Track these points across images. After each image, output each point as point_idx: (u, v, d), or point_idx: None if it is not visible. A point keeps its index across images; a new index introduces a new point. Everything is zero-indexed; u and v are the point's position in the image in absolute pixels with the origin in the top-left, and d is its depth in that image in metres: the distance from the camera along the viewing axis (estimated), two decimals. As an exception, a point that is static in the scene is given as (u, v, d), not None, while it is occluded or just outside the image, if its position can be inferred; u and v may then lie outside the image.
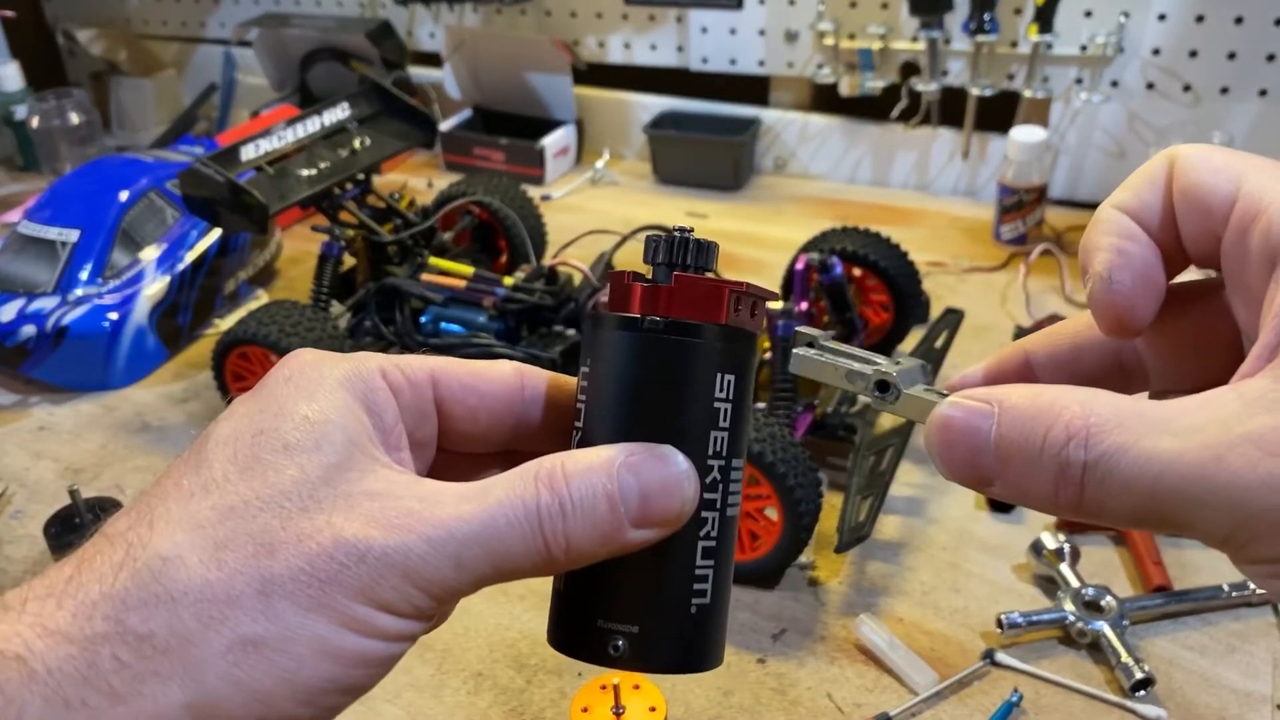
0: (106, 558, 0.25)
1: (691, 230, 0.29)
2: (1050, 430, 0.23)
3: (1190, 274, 0.28)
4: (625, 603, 0.28)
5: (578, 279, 0.89)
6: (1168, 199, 0.26)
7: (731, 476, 0.29)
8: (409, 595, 0.25)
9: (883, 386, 0.27)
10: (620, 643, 0.28)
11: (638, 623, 0.28)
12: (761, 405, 0.78)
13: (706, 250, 0.28)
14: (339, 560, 0.25)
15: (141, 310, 1.01)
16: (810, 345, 0.29)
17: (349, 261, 0.96)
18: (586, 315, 0.29)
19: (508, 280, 0.89)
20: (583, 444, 0.28)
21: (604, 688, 0.62)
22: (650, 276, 0.28)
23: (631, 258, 0.92)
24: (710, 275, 0.28)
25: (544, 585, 0.63)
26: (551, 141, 1.38)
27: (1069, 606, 0.68)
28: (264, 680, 0.24)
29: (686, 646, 0.28)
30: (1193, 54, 1.13)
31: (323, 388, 0.27)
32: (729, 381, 0.28)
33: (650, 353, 0.27)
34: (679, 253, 0.28)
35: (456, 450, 0.31)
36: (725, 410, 0.28)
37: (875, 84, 1.27)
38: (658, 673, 0.29)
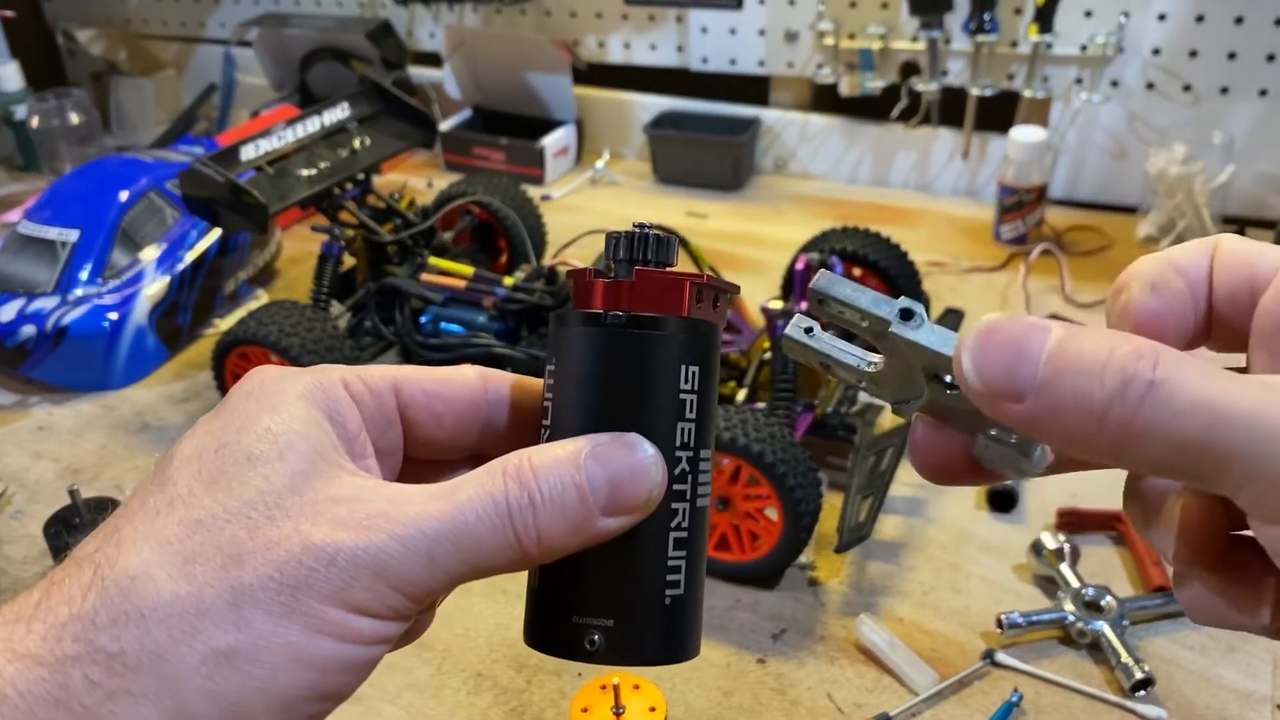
0: (75, 580, 0.25)
1: (651, 226, 0.29)
2: (1118, 348, 0.22)
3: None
4: (600, 597, 0.28)
5: (578, 279, 0.89)
6: (1208, 261, 0.27)
7: (700, 467, 0.29)
8: (383, 595, 0.25)
9: (907, 314, 0.26)
10: (596, 637, 0.28)
11: (613, 616, 0.28)
12: (761, 405, 0.78)
13: (666, 245, 0.29)
14: (308, 565, 0.24)
15: (141, 310, 1.01)
16: (809, 332, 0.28)
17: (349, 261, 0.96)
18: (551, 315, 0.29)
19: (508, 280, 0.89)
20: (551, 440, 0.28)
21: (604, 688, 0.62)
22: (612, 273, 0.29)
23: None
24: (671, 270, 0.29)
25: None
26: (551, 141, 1.38)
27: (1069, 607, 0.68)
28: (239, 692, 0.24)
29: (663, 638, 0.28)
30: (1193, 54, 1.13)
31: (284, 400, 0.27)
32: (693, 373, 0.28)
33: (614, 347, 0.28)
34: (639, 248, 0.28)
35: (424, 457, 0.31)
36: (691, 401, 0.28)
37: (875, 84, 1.27)
38: (635, 665, 0.29)
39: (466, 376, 0.31)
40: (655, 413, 0.28)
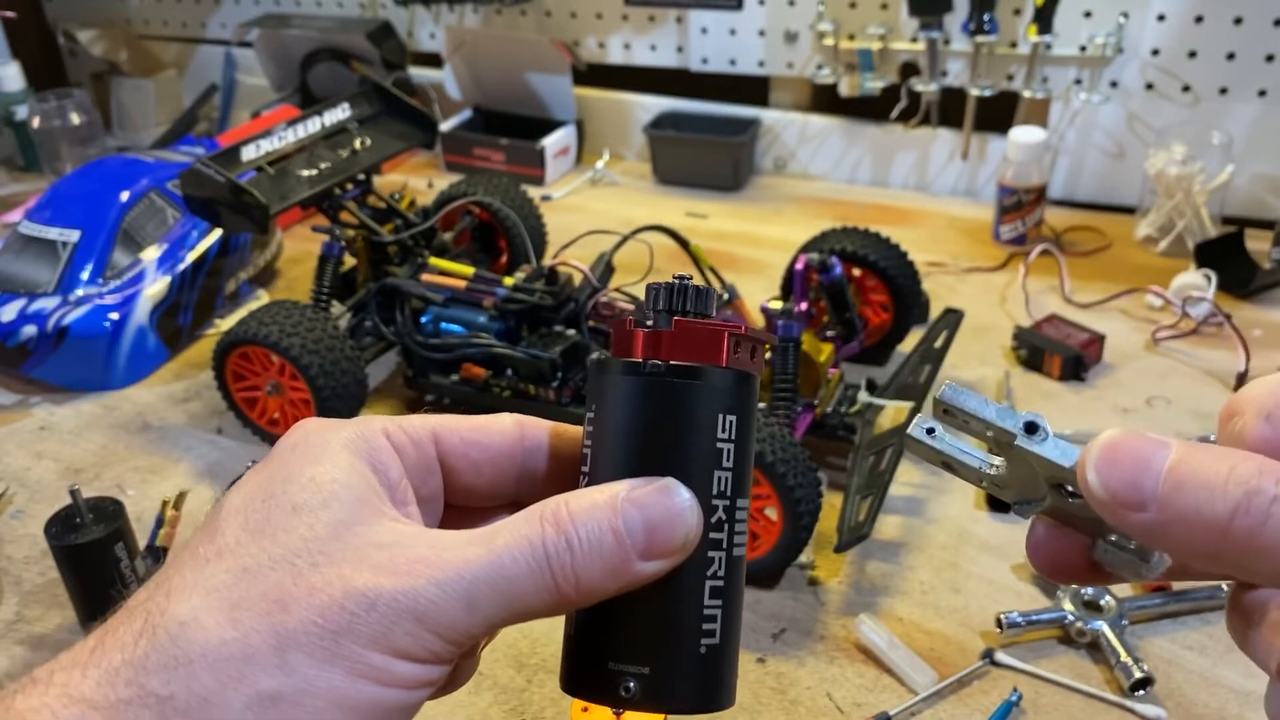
0: (128, 627, 0.26)
1: (690, 278, 0.29)
2: (1239, 464, 0.23)
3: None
4: (636, 644, 0.28)
5: (578, 279, 0.90)
6: None
7: (737, 516, 0.29)
8: (423, 640, 0.26)
9: (1032, 427, 0.27)
10: (632, 684, 0.28)
11: (649, 664, 0.28)
12: (762, 405, 0.78)
13: (705, 296, 0.29)
14: (350, 610, 0.25)
15: (142, 310, 1.01)
16: (931, 433, 0.28)
17: (349, 262, 0.96)
18: (591, 362, 0.30)
19: (508, 280, 0.89)
20: (589, 486, 0.29)
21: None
22: (652, 322, 0.29)
23: (631, 258, 0.92)
24: (710, 320, 0.29)
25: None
26: (552, 142, 1.38)
27: (1068, 606, 0.68)
28: None
29: (698, 687, 0.29)
30: (1192, 54, 1.14)
31: (328, 451, 0.28)
32: (731, 422, 0.28)
33: (653, 396, 0.28)
34: (679, 299, 0.29)
35: (465, 504, 0.32)
36: (728, 450, 0.29)
37: (875, 84, 1.27)
38: (670, 714, 0.30)
39: (504, 425, 0.31)
40: (692, 461, 0.28)
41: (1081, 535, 0.28)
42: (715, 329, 0.28)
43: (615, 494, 0.27)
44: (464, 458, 0.31)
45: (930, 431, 0.28)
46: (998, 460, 0.28)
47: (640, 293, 0.91)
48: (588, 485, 0.29)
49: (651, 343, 0.29)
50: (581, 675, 0.29)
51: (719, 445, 0.28)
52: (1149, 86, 1.17)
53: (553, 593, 0.27)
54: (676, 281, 0.29)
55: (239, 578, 0.26)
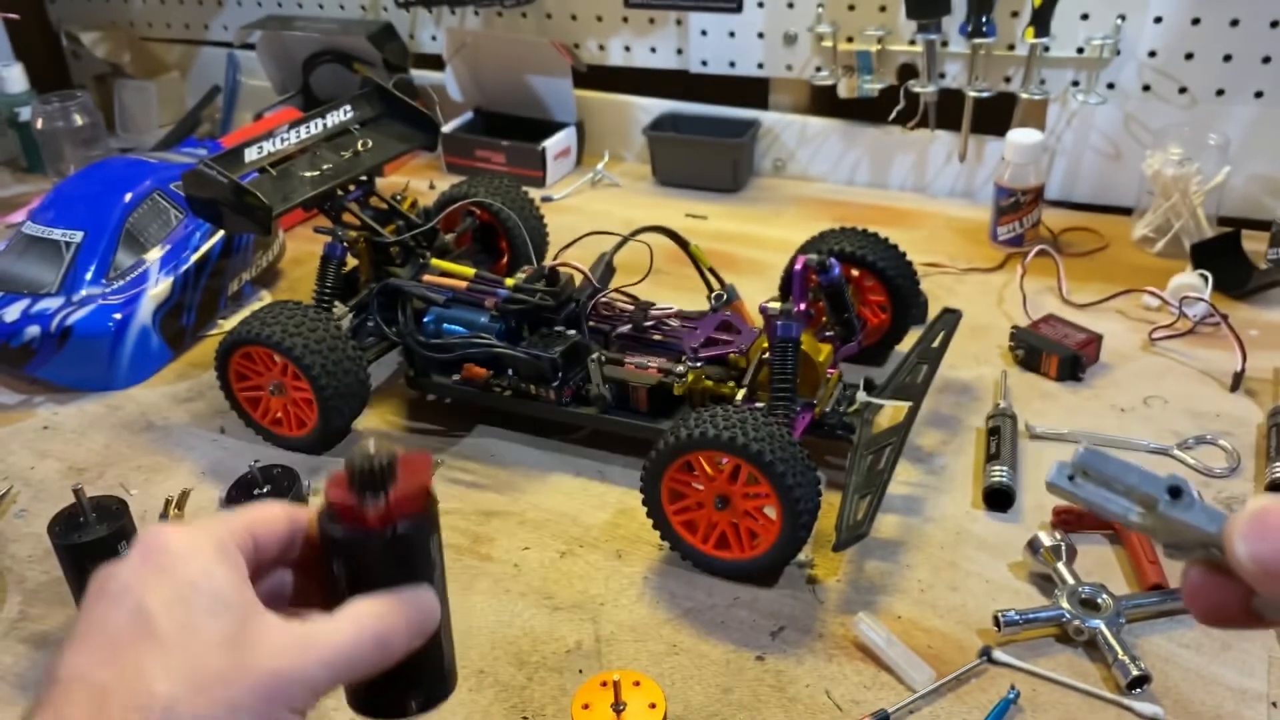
0: (118, 705, 0.34)
1: (379, 452, 0.39)
2: None
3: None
4: (415, 679, 0.43)
5: (578, 280, 0.90)
6: None
7: (444, 587, 0.44)
8: (308, 700, 0.38)
9: (1175, 492, 0.27)
10: (414, 703, 0.43)
11: (425, 686, 0.44)
12: (760, 405, 0.79)
13: (388, 468, 0.40)
14: (270, 685, 0.37)
15: (145, 310, 1.01)
16: (1072, 480, 0.29)
17: (352, 262, 0.96)
18: (324, 520, 0.41)
19: (509, 281, 0.90)
20: (356, 592, 0.41)
21: (604, 684, 0.63)
22: (365, 490, 0.40)
23: (631, 259, 0.92)
24: (406, 485, 0.40)
25: (544, 584, 0.65)
26: (552, 143, 1.39)
27: (1066, 604, 0.68)
28: None
29: (448, 686, 0.45)
30: (1188, 56, 1.14)
31: (208, 563, 0.38)
32: (435, 541, 0.43)
33: (394, 545, 0.41)
34: (371, 474, 0.39)
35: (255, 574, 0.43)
36: (439, 557, 0.43)
37: (873, 86, 1.27)
38: (433, 709, 0.44)
39: (278, 514, 0.42)
40: (425, 572, 0.42)
41: (1240, 583, 0.27)
42: (414, 491, 0.40)
43: (407, 600, 0.41)
44: (264, 544, 0.42)
45: (1072, 478, 0.29)
46: (1142, 508, 0.28)
47: (640, 293, 0.92)
48: (352, 589, 0.41)
49: (364, 513, 0.40)
50: (378, 705, 0.43)
51: (434, 556, 0.42)
52: (1146, 88, 1.17)
53: (382, 661, 0.40)
54: (366, 464, 0.39)
55: (194, 665, 0.36)
